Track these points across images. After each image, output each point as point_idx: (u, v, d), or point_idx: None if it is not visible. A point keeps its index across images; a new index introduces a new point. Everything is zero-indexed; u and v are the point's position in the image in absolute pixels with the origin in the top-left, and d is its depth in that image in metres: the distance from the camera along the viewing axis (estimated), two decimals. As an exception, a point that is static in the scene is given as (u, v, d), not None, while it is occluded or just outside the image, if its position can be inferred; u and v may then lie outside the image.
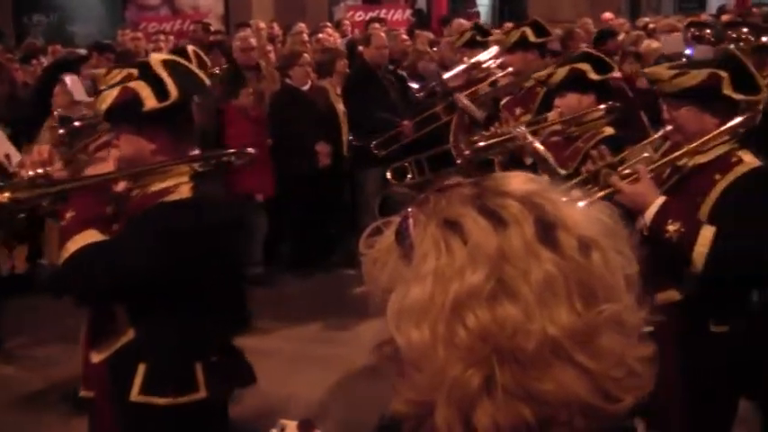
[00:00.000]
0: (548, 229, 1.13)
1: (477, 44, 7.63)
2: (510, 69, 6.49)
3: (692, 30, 9.05)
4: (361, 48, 9.43)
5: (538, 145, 4.38)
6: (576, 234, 1.13)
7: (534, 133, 4.70)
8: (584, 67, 4.61)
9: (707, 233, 3.40)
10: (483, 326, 1.09)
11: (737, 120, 3.62)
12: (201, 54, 3.80)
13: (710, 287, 3.48)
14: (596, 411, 1.11)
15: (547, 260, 1.10)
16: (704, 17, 14.35)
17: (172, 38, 12.43)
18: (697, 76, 3.60)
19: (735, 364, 3.62)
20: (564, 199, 1.18)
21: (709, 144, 3.63)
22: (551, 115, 4.78)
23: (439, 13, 18.25)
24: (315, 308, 7.40)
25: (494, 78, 6.79)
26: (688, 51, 7.41)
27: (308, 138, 7.87)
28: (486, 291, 1.09)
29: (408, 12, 16.76)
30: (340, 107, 8.37)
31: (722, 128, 3.60)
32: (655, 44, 9.19)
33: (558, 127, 4.71)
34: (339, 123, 8.29)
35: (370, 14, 15.07)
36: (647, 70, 4.03)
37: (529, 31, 6.27)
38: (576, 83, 4.62)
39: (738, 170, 3.56)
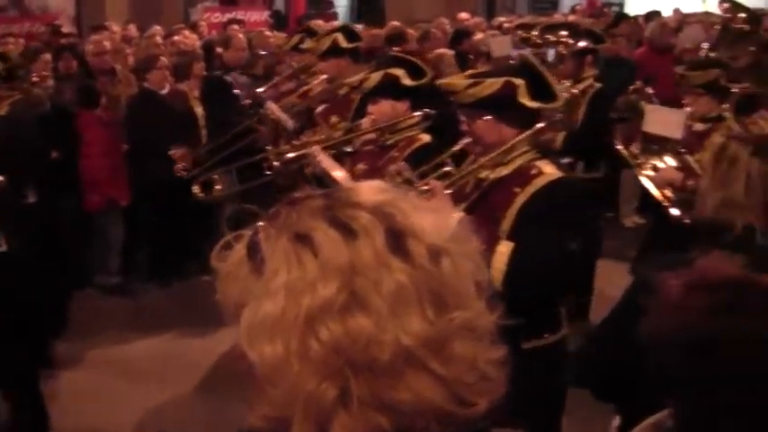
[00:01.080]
0: (398, 239, 1.13)
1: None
2: (323, 77, 6.31)
3: (520, 32, 9.13)
4: (219, 50, 9.32)
5: (326, 165, 4.18)
6: (426, 242, 1.14)
7: (348, 142, 4.63)
8: (398, 72, 4.48)
9: (503, 249, 3.28)
10: (336, 339, 1.09)
11: (535, 128, 3.56)
12: None
13: (516, 304, 3.41)
14: (451, 417, 1.13)
15: (398, 270, 1.11)
16: (557, 17, 14.76)
17: (21, 40, 12.00)
18: (492, 86, 3.50)
19: (550, 379, 3.52)
20: (414, 207, 1.19)
21: (509, 155, 3.54)
22: (364, 123, 4.66)
23: (296, 14, 18.21)
24: (172, 316, 7.27)
25: (307, 87, 6.57)
26: (515, 54, 7.60)
27: (166, 142, 7.72)
28: (338, 303, 1.10)
29: (266, 13, 16.67)
30: (198, 110, 8.24)
31: (518, 137, 3.53)
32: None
33: (371, 135, 4.58)
34: (198, 127, 8.16)
35: (228, 16, 14.93)
36: (442, 82, 3.88)
37: (340, 37, 6.13)
38: (390, 89, 4.48)
39: (537, 182, 3.46)
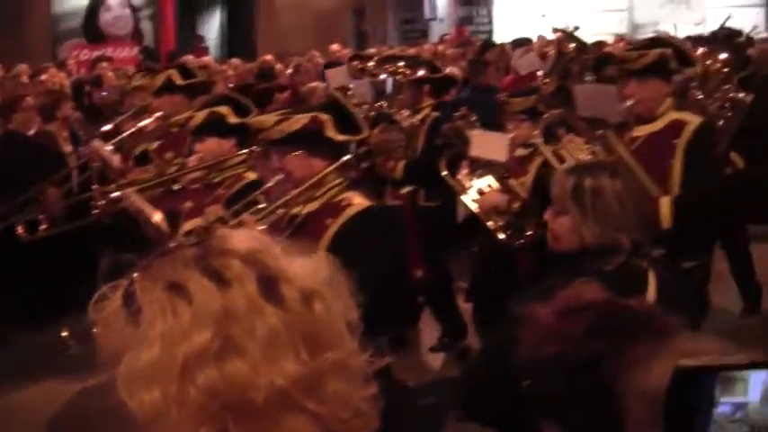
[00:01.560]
0: (270, 285, 1.17)
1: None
2: (158, 114, 6.19)
3: (355, 63, 9.13)
4: (87, 88, 9.19)
5: (139, 205, 4.20)
6: (298, 287, 1.19)
7: (175, 180, 4.65)
8: (224, 110, 4.52)
9: None
10: (212, 384, 1.12)
11: (342, 160, 3.68)
12: None
13: None
14: None
15: (271, 315, 1.15)
16: (427, 47, 15.05)
17: None
18: (299, 121, 3.59)
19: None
20: (285, 254, 1.23)
21: (320, 189, 3.63)
22: (191, 161, 4.69)
23: (167, 50, 18.05)
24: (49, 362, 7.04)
25: (142, 125, 6.36)
26: (352, 85, 7.71)
27: (36, 184, 7.53)
28: (213, 349, 1.12)
29: (136, 49, 16.48)
30: (68, 150, 8.09)
31: (326, 170, 3.62)
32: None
33: (198, 173, 4.59)
34: (68, 168, 8.00)
35: (96, 53, 14.69)
36: (252, 120, 4.02)
37: (175, 74, 6.11)
38: (216, 127, 4.52)
39: (347, 213, 3.55)
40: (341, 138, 3.64)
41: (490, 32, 21.75)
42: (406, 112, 6.33)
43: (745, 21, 16.28)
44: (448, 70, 10.93)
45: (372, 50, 14.71)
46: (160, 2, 19.69)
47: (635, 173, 4.47)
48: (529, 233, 5.11)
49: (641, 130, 4.75)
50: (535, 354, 1.69)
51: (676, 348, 1.46)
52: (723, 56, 7.04)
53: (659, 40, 5.28)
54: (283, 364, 1.14)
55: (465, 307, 5.97)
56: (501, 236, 5.11)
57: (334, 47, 14.27)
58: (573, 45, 7.30)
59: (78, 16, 19.54)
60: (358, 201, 3.61)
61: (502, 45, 13.90)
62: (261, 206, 3.73)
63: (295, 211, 3.64)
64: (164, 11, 19.58)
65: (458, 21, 22.96)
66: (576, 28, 8.92)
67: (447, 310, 6.68)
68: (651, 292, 2.91)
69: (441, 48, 14.08)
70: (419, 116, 6.42)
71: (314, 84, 8.62)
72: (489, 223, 5.18)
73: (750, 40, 12.14)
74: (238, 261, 1.18)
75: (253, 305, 1.15)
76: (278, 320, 1.15)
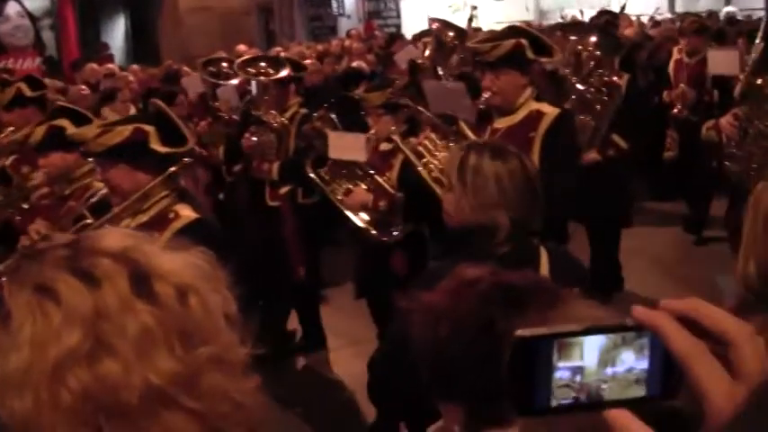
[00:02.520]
0: (142, 282, 1.15)
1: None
2: (11, 129, 5.94)
3: (211, 68, 8.80)
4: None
5: None
6: (172, 282, 1.16)
7: (26, 198, 4.63)
8: (64, 123, 4.46)
9: None
10: (85, 386, 1.09)
11: (168, 172, 3.62)
12: None
13: None
14: None
15: (143, 312, 1.13)
16: (334, 43, 15.03)
17: None
18: (122, 133, 3.54)
19: None
20: (159, 250, 1.21)
21: (146, 202, 3.59)
22: (36, 177, 4.66)
23: (70, 58, 17.71)
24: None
25: None
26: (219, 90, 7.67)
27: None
28: (83, 351, 1.10)
29: (38, 59, 16.15)
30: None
31: (152, 183, 3.58)
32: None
33: (45, 189, 4.56)
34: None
35: (-3, 65, 14.39)
36: (72, 133, 3.96)
37: (24, 87, 5.92)
38: (57, 141, 4.43)
39: (175, 226, 3.52)
40: (165, 150, 3.56)
41: (398, 26, 21.81)
42: (273, 113, 6.25)
43: (648, 3, 16.62)
44: (355, 64, 11.01)
45: (278, 48, 14.66)
46: (60, 11, 19.31)
47: None
48: (398, 228, 5.20)
49: (501, 123, 4.66)
50: (431, 335, 1.70)
51: (568, 314, 1.48)
52: (593, 39, 6.96)
53: (516, 30, 5.08)
54: (157, 361, 1.12)
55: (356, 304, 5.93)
56: (373, 232, 5.18)
57: (241, 47, 14.13)
58: (452, 34, 7.30)
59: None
60: (186, 213, 3.58)
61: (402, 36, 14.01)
62: (88, 221, 3.70)
63: (124, 224, 3.55)
64: (64, 20, 19.21)
65: (365, 15, 23.00)
66: (474, 8, 8.95)
67: (309, 315, 6.72)
68: (544, 269, 2.96)
69: (347, 43, 14.04)
70: (287, 115, 6.34)
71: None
72: (359, 221, 5.24)
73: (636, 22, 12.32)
74: (109, 260, 1.16)
75: (124, 304, 1.13)
76: (150, 318, 1.13)
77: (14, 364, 1.11)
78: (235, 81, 7.73)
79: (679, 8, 18.26)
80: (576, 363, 0.82)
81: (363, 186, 5.36)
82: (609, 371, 0.83)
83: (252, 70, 6.52)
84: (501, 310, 1.62)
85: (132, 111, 8.06)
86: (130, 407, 1.10)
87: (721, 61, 6.75)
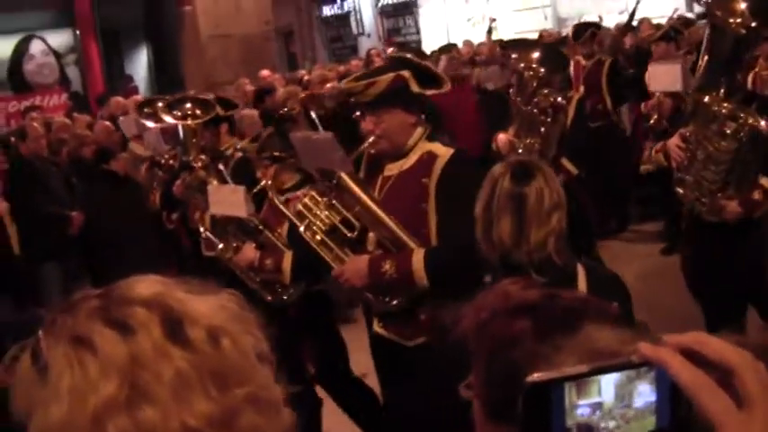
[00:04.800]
0: (175, 328, 1.17)
1: None
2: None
3: (146, 110, 7.49)
4: (13, 139, 9.08)
5: None
6: (203, 326, 1.19)
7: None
8: None
9: None
10: None
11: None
12: None
13: None
14: None
15: (178, 357, 1.15)
16: (354, 63, 15.09)
17: None
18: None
19: None
20: (189, 294, 1.24)
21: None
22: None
23: (96, 92, 17.92)
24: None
25: None
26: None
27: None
28: (121, 399, 1.12)
29: (65, 96, 16.33)
30: (3, 205, 8.01)
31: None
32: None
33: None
34: (3, 222, 7.93)
35: (25, 104, 14.54)
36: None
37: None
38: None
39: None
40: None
41: (419, 42, 21.87)
42: (203, 158, 5.69)
43: (667, 6, 16.52)
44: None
45: (303, 72, 14.75)
46: (84, 46, 19.56)
47: (383, 223, 3.99)
48: (289, 291, 4.86)
49: (392, 168, 4.12)
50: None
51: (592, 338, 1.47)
52: (535, 55, 6.53)
53: (398, 61, 4.51)
54: (194, 404, 1.14)
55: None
56: (268, 297, 4.86)
57: (265, 72, 14.25)
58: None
59: (2, 68, 19.38)
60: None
61: (432, 53, 14.04)
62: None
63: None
64: (88, 54, 19.46)
65: (385, 33, 23.08)
66: (493, 20, 8.91)
67: None
68: (582, 285, 2.97)
69: (369, 62, 14.10)
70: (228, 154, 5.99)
71: (243, 111, 8.58)
72: (250, 282, 4.91)
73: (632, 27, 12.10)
74: (141, 308, 1.18)
75: (159, 350, 1.15)
76: (185, 362, 1.15)
77: (56, 416, 1.13)
78: (155, 124, 7.03)
79: (699, 8, 18.11)
80: (595, 399, 0.85)
81: (252, 244, 4.94)
82: (625, 403, 0.86)
83: (177, 113, 6.02)
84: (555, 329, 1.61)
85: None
86: None
87: (662, 77, 6.03)
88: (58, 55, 19.92)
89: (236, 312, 1.24)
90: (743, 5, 4.42)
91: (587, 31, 10.21)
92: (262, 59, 17.99)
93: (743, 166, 4.69)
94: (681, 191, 4.87)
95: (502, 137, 6.48)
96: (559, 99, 6.35)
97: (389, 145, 4.06)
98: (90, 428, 1.12)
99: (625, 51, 10.72)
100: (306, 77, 12.84)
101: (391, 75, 3.97)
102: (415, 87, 4.00)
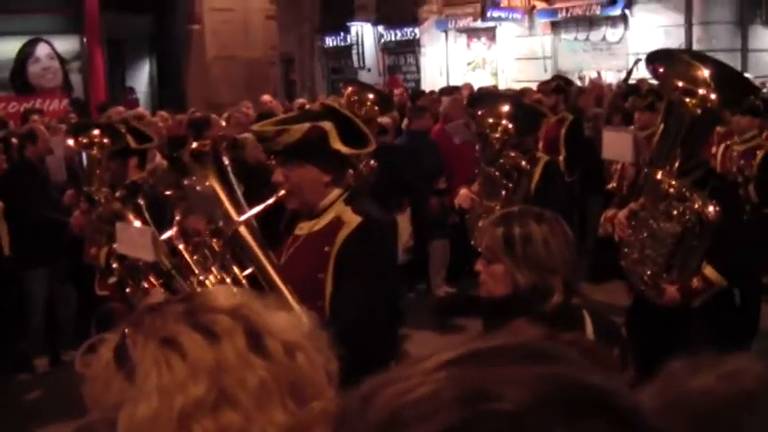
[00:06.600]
0: (256, 338, 1.27)
1: None
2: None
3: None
4: (14, 140, 9.09)
5: None
6: (281, 339, 1.29)
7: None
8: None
9: None
10: None
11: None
12: None
13: None
14: None
15: (259, 367, 1.24)
16: (300, 101, 15.08)
17: None
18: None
19: None
20: (267, 308, 1.33)
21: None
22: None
23: (97, 101, 17.95)
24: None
25: None
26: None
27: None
28: (209, 401, 1.21)
29: (65, 101, 16.35)
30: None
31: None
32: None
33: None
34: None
35: (25, 105, 14.56)
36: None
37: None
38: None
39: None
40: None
41: (418, 81, 22.03)
42: (105, 190, 5.26)
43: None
44: (380, 119, 11.13)
45: (302, 100, 14.84)
46: (90, 54, 19.60)
47: (277, 290, 3.38)
48: None
49: (304, 228, 3.67)
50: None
51: None
52: (505, 109, 6.14)
53: (324, 111, 3.94)
54: (274, 414, 1.23)
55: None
56: None
57: (266, 97, 14.36)
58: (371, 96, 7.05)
59: (6, 68, 19.40)
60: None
61: (432, 92, 14.18)
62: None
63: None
64: (93, 62, 19.49)
65: (385, 70, 23.26)
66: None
67: None
68: (588, 329, 3.04)
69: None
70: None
71: (244, 134, 8.64)
72: None
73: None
74: (226, 317, 1.28)
75: (242, 358, 1.25)
76: (266, 372, 1.24)
77: (143, 413, 1.21)
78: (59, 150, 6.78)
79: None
80: None
81: (160, 288, 4.18)
82: None
83: (83, 139, 5.62)
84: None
85: (158, 158, 8.07)
86: None
87: (614, 145, 5.91)
88: (62, 60, 19.95)
89: (309, 330, 1.33)
90: (704, 77, 4.31)
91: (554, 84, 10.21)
92: (264, 84, 18.10)
93: (687, 251, 4.59)
94: (626, 266, 4.79)
95: (464, 192, 6.35)
96: (523, 163, 6.02)
97: (299, 202, 3.63)
98: (176, 427, 1.21)
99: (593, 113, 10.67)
100: (307, 106, 12.87)
101: (307, 125, 3.49)
102: (335, 143, 3.50)
